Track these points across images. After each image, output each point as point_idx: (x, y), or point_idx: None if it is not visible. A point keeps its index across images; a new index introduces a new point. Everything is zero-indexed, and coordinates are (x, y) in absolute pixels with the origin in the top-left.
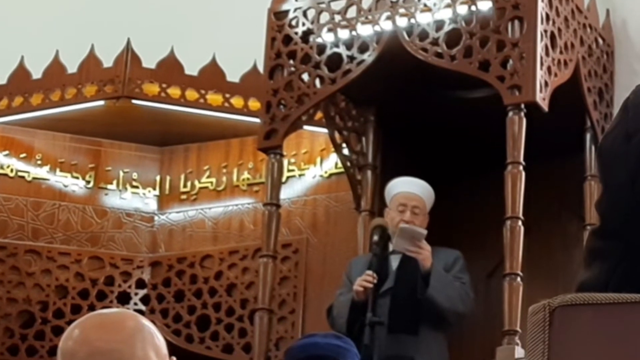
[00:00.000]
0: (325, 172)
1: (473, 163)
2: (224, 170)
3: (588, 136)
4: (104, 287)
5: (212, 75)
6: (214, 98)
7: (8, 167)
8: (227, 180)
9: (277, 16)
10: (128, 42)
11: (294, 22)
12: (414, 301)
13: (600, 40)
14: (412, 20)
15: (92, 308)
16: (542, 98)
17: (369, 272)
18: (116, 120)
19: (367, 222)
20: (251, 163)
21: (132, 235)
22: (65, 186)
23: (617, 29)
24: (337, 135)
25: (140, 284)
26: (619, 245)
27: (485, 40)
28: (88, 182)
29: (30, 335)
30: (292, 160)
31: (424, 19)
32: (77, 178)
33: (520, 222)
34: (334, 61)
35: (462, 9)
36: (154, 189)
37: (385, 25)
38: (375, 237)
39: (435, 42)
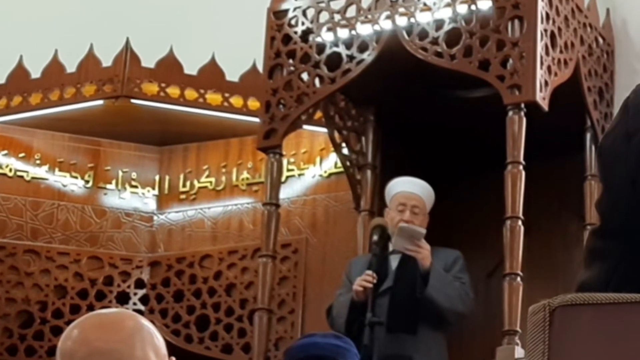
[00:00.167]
0: (325, 172)
1: (473, 163)
2: (223, 170)
3: (588, 136)
4: (103, 287)
5: (211, 75)
6: (213, 97)
7: (7, 166)
8: (226, 180)
9: (277, 15)
10: (127, 42)
11: (293, 22)
12: (413, 300)
13: (601, 40)
14: (412, 20)
15: (91, 308)
16: (542, 97)
17: (369, 272)
18: (115, 119)
19: (366, 222)
20: (250, 163)
21: (131, 235)
22: (64, 186)
23: (617, 28)
24: (336, 134)
25: (140, 283)
26: (619, 245)
27: (485, 40)
28: (87, 181)
29: (29, 335)
30: (292, 159)
31: (423, 18)
32: (76, 178)
33: (520, 222)
34: (334, 60)
35: (462, 8)
36: (153, 188)
37: (385, 25)
38: (375, 237)
39: (435, 42)
